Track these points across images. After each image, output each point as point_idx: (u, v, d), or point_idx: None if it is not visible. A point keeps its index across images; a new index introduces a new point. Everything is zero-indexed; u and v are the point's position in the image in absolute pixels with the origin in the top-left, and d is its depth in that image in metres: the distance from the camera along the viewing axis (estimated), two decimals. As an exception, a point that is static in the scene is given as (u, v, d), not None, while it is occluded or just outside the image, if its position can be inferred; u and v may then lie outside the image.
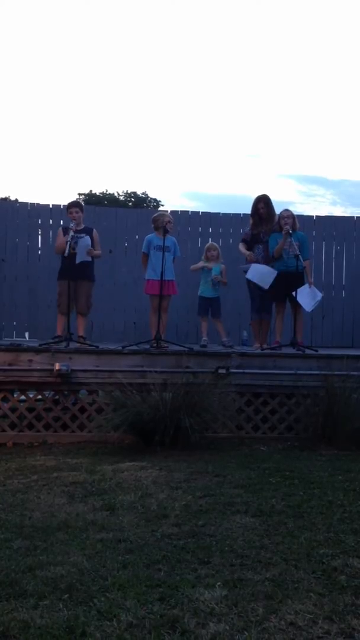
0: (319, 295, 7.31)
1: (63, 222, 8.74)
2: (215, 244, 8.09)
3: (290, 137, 75.37)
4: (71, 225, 7.00)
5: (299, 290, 7.04)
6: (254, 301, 7.60)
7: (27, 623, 2.46)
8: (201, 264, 7.80)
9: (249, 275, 7.29)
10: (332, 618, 2.52)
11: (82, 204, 7.73)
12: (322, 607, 2.61)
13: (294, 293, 7.05)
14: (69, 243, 6.74)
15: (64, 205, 9.16)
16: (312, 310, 7.71)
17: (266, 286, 7.20)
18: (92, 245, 7.11)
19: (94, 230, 7.38)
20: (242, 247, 7.62)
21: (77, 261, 6.88)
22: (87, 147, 70.54)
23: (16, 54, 65.85)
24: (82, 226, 7.21)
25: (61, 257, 7.26)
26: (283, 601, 2.65)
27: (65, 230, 7.13)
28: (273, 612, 2.55)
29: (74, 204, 7.48)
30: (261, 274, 7.24)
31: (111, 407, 5.97)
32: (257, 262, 7.37)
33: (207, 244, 8.11)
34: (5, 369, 6.31)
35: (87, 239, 7.03)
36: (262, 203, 7.55)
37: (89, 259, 7.09)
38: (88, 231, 7.21)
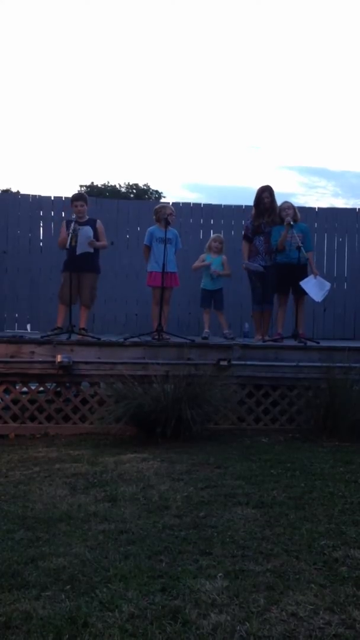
0: (327, 285, 7.25)
1: (65, 214, 8.73)
2: (221, 236, 8.04)
3: (292, 128, 75.07)
4: (73, 217, 6.99)
5: (304, 281, 7.02)
6: (256, 293, 7.59)
7: (29, 614, 2.47)
8: (202, 262, 7.74)
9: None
10: (333, 609, 2.52)
11: (86, 196, 7.67)
12: (323, 598, 2.61)
13: (300, 284, 7.03)
14: (70, 235, 6.74)
15: (65, 197, 9.17)
16: (316, 302, 7.66)
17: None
18: (96, 236, 7.06)
19: (98, 221, 7.29)
20: (244, 248, 7.56)
21: (78, 252, 6.86)
22: (88, 139, 70.35)
23: (17, 46, 65.58)
24: (86, 218, 7.18)
25: (67, 249, 7.25)
26: (284, 592, 2.66)
27: (68, 224, 7.11)
28: (274, 603, 2.56)
29: (77, 197, 7.39)
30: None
31: (113, 398, 5.97)
32: (255, 262, 7.35)
33: (214, 235, 8.03)
34: (7, 361, 6.32)
35: (88, 229, 6.98)
36: (268, 193, 7.49)
37: (91, 250, 7.05)
38: (92, 222, 7.15)
